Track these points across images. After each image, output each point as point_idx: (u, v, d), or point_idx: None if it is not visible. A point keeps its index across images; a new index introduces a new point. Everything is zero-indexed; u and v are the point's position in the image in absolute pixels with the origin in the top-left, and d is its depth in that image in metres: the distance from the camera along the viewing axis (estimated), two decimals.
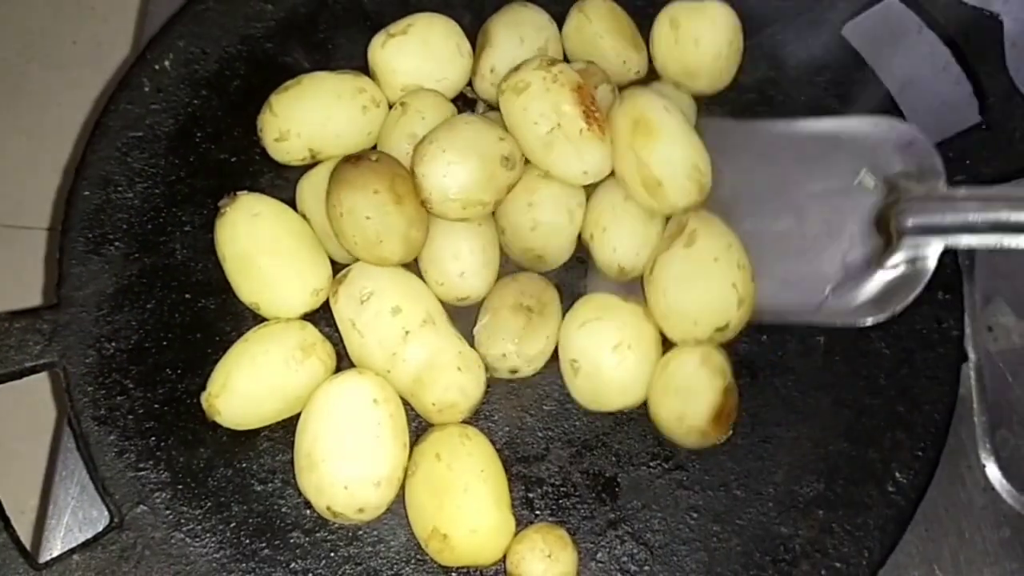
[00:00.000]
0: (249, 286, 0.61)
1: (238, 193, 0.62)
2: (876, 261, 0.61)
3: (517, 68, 0.62)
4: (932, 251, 0.59)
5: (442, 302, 0.62)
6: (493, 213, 0.64)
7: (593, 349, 0.59)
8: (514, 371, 0.61)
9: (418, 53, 0.66)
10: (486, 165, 0.59)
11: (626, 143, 0.61)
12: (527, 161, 0.63)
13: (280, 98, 0.65)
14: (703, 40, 0.67)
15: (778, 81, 0.71)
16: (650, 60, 0.69)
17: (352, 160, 0.59)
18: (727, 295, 0.58)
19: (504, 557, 0.57)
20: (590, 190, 0.64)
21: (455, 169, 0.58)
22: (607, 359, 0.59)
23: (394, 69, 0.66)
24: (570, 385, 0.61)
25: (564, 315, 0.62)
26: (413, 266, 0.62)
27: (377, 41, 0.67)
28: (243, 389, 0.58)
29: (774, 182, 0.66)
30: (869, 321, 0.61)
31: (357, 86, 0.65)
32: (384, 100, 0.66)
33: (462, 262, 0.62)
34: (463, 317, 0.62)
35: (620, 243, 0.63)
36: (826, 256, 0.63)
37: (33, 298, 1.05)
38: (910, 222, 0.59)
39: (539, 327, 0.61)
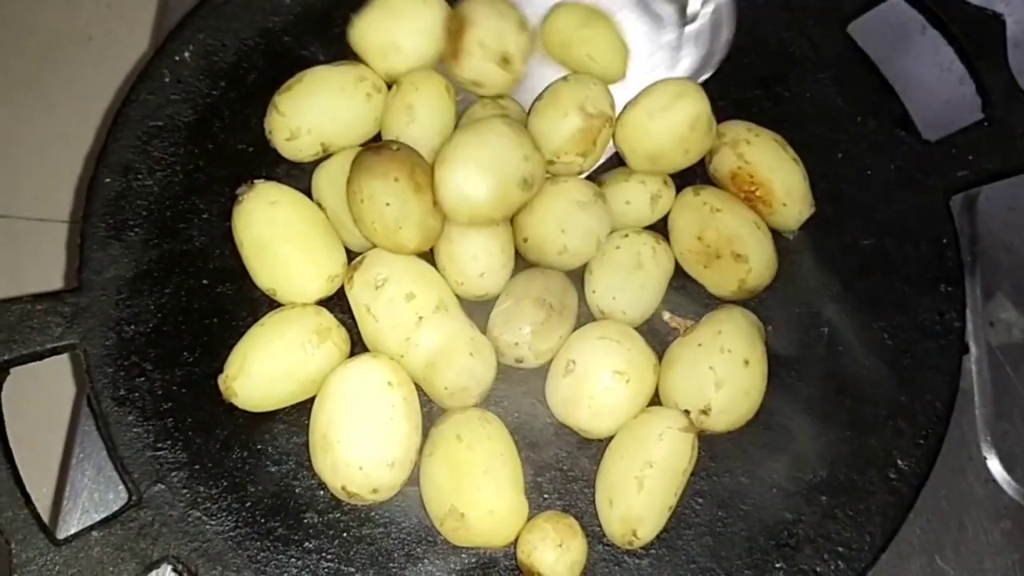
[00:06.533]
0: (266, 272, 0.62)
1: (255, 181, 0.63)
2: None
3: None
4: None
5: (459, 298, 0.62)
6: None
7: (596, 362, 0.59)
8: (520, 360, 0.62)
9: (391, 29, 0.67)
10: (503, 186, 0.59)
11: None
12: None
13: (284, 98, 0.66)
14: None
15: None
16: None
17: (373, 148, 0.60)
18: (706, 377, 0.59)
19: (515, 543, 0.57)
20: None
21: (472, 184, 0.59)
22: (603, 377, 0.59)
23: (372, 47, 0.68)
24: (551, 381, 0.61)
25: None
26: (427, 259, 0.63)
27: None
28: (259, 372, 0.59)
29: None
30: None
31: (357, 75, 0.66)
32: (383, 85, 0.67)
33: (481, 263, 0.62)
34: (475, 306, 0.63)
35: (599, 286, 0.63)
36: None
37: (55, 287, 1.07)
38: None
39: (556, 326, 0.61)
